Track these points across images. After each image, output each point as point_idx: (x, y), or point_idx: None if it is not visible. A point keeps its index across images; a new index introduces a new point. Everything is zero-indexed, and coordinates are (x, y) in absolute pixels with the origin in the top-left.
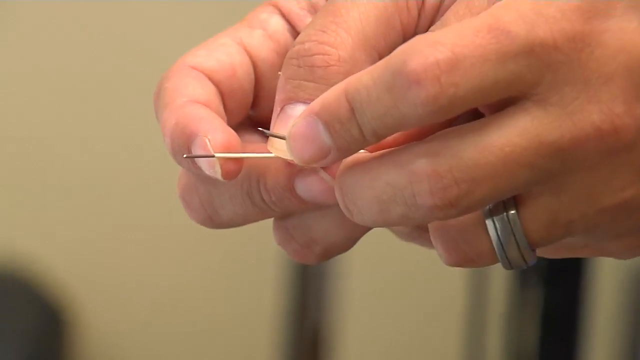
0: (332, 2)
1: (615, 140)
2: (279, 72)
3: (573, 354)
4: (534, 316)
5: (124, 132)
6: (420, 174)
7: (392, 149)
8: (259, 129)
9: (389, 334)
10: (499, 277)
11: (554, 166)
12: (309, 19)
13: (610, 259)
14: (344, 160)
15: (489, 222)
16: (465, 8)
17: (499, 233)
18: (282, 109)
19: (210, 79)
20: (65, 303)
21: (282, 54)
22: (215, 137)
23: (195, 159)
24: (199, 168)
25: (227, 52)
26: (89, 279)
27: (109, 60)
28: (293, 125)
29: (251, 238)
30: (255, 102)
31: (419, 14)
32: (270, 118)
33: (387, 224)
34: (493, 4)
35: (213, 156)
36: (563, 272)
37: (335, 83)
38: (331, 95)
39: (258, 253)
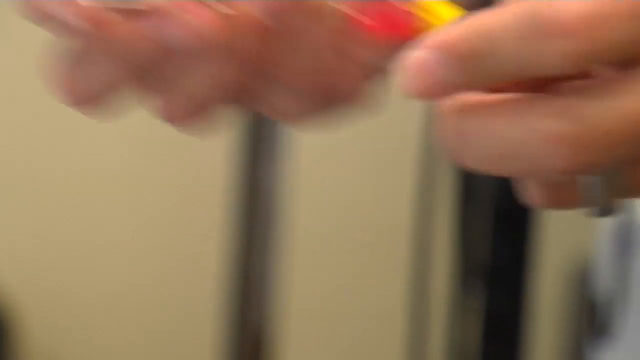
0: None
1: None
2: None
3: (515, 355)
4: (476, 317)
5: (63, 133)
6: (552, 136)
7: (516, 99)
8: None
9: (331, 336)
10: (441, 278)
11: None
12: None
13: (552, 259)
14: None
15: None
16: None
17: (599, 184)
18: None
19: None
20: (7, 309)
21: None
22: None
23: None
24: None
25: None
26: (31, 284)
27: None
28: (412, 54)
29: (192, 240)
30: None
31: None
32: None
33: (501, 173)
34: None
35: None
36: (505, 273)
37: None
38: (464, 30)
39: (199, 255)
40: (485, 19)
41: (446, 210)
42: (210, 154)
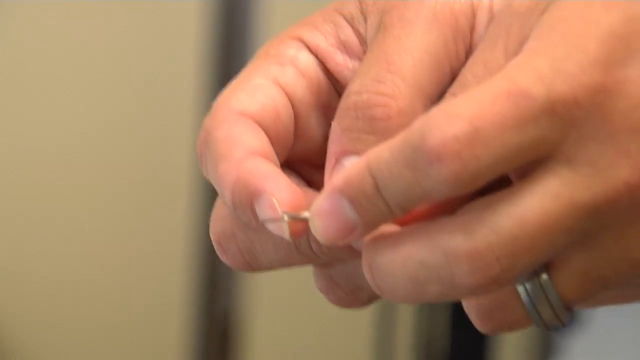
0: (379, 45)
1: None
2: (333, 122)
3: (485, 344)
4: (444, 312)
5: (30, 127)
6: (459, 253)
7: (422, 223)
8: (285, 213)
9: (299, 328)
10: None
11: (589, 226)
12: (339, 56)
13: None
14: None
15: (520, 289)
16: (483, 68)
17: (532, 298)
18: (337, 160)
19: (259, 124)
20: None
21: (315, 92)
22: (282, 196)
23: (260, 217)
24: (261, 225)
25: (267, 95)
26: None
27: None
28: (315, 204)
29: (160, 233)
30: None
31: (466, 58)
32: (307, 155)
33: (422, 301)
34: (510, 59)
35: (278, 219)
36: None
37: (396, 136)
38: (354, 171)
39: (167, 247)
40: (372, 155)
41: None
42: (176, 145)
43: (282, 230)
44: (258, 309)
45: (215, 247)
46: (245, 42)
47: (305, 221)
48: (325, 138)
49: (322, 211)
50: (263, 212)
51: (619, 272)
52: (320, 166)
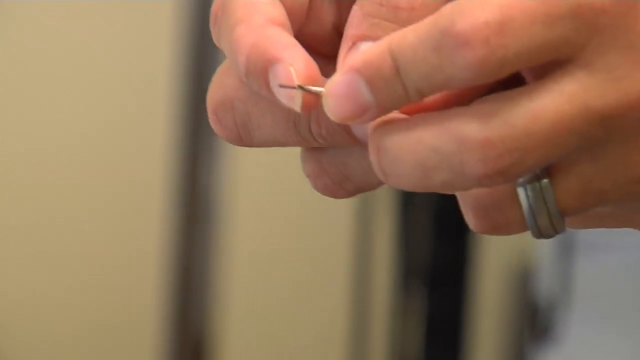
0: None
1: None
2: (354, 6)
3: (457, 357)
4: (417, 319)
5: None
6: (472, 141)
7: (437, 111)
8: (298, 85)
9: (272, 339)
10: (382, 281)
11: (599, 134)
12: None
13: (494, 261)
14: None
15: (520, 190)
16: None
17: (531, 201)
18: (354, 44)
19: None
20: None
21: None
22: (299, 66)
23: (272, 85)
24: (272, 93)
25: None
26: None
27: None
28: (330, 81)
29: (133, 241)
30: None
31: None
32: (314, 40)
33: (425, 189)
34: None
35: (294, 87)
36: (446, 276)
37: None
38: (374, 51)
39: (140, 258)
40: (395, 37)
41: (386, 213)
42: (150, 154)
43: (295, 101)
44: (231, 323)
45: (209, 116)
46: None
47: (317, 96)
48: (334, 27)
49: (337, 89)
50: (278, 80)
51: (618, 188)
52: (325, 55)
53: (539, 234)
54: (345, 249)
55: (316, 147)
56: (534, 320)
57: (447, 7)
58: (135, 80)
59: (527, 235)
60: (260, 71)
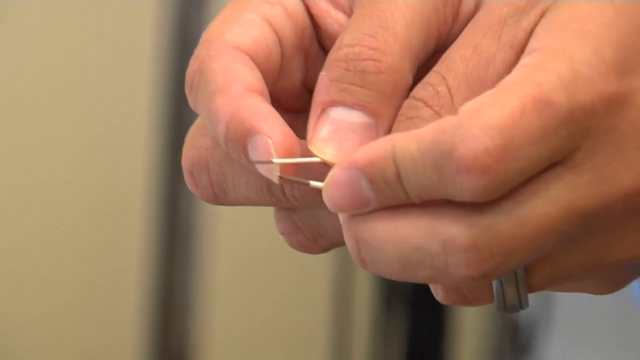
0: (371, 1)
1: (639, 203)
2: (321, 72)
3: None
4: (399, 339)
5: None
6: (457, 245)
7: (422, 207)
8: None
9: (253, 358)
10: (363, 301)
11: (580, 230)
12: (323, 3)
13: None
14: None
15: None
16: (473, 52)
17: (502, 282)
18: (323, 110)
19: (252, 59)
20: None
21: (300, 35)
22: (277, 139)
23: (251, 157)
24: (250, 162)
25: (260, 31)
26: None
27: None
28: (332, 175)
29: (112, 260)
30: None
31: (453, 23)
32: (283, 97)
33: (404, 280)
34: (502, 48)
35: (271, 162)
36: (427, 296)
37: (385, 91)
38: (377, 153)
39: (121, 281)
40: (399, 142)
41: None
42: (130, 177)
43: (272, 173)
44: (211, 344)
45: (185, 176)
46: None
47: (297, 165)
48: (302, 83)
49: (338, 183)
50: (256, 152)
51: (585, 272)
52: (294, 110)
53: (504, 308)
54: (327, 269)
55: (290, 207)
56: (514, 339)
57: (448, 124)
58: (116, 107)
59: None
60: (239, 141)
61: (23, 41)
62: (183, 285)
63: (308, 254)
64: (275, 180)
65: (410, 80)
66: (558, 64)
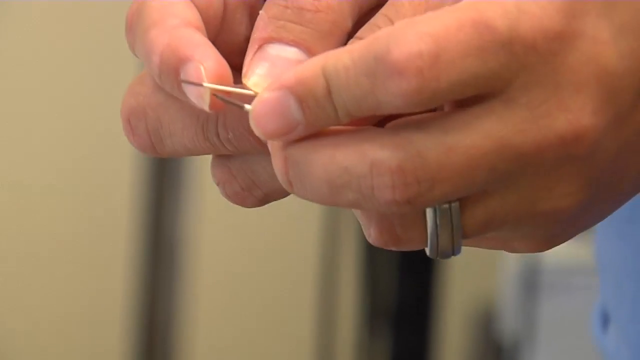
0: None
1: (574, 149)
2: (260, 11)
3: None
4: (382, 359)
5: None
6: (384, 167)
7: (351, 129)
8: (214, 90)
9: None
10: (347, 321)
11: (512, 169)
12: None
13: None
14: None
15: (429, 210)
16: (395, 12)
17: (438, 222)
18: (260, 47)
19: (192, 2)
20: None
21: None
22: (209, 65)
23: (183, 84)
24: (183, 93)
25: None
26: None
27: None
28: (259, 97)
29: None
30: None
31: None
32: (227, 52)
33: (330, 205)
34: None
35: (201, 85)
36: (411, 315)
37: (322, 30)
38: (307, 70)
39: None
40: (329, 57)
41: (352, 252)
42: (115, 192)
43: (203, 99)
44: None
45: (123, 125)
46: None
47: (227, 94)
48: (247, 39)
49: (265, 104)
50: (187, 79)
51: (517, 220)
52: (238, 67)
53: (436, 253)
54: (311, 289)
55: (226, 154)
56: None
57: (383, 32)
58: (101, 123)
59: (492, 275)
60: (172, 70)
61: (22, 42)
62: (167, 295)
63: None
64: (206, 106)
65: (349, 24)
66: None
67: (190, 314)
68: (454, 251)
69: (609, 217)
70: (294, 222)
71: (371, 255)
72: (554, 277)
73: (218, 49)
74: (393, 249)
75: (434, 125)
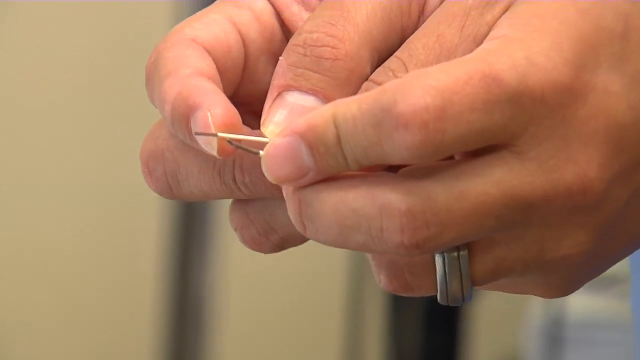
0: None
1: (582, 201)
2: (280, 57)
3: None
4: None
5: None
6: (393, 209)
7: (363, 174)
8: (235, 143)
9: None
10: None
11: (518, 218)
12: (295, 7)
13: (482, 353)
14: None
15: (438, 257)
16: (436, 41)
17: (447, 270)
18: (279, 94)
19: (209, 53)
20: None
21: (268, 38)
22: (217, 112)
23: (193, 131)
24: (195, 140)
25: (222, 29)
26: None
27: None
28: (271, 143)
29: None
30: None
31: (418, 19)
32: (250, 100)
33: (342, 247)
34: (465, 40)
35: (209, 134)
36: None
37: (340, 77)
38: (318, 117)
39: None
40: (339, 106)
41: (378, 303)
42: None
43: (212, 145)
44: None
45: (141, 168)
46: None
47: (237, 141)
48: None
49: (277, 149)
50: (196, 127)
51: (526, 268)
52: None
53: (446, 300)
54: (337, 343)
55: (244, 199)
56: None
57: (392, 83)
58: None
59: (517, 329)
60: (183, 118)
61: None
62: (198, 288)
63: (317, 338)
64: (215, 153)
65: (368, 70)
66: (514, 51)
67: (221, 300)
68: (465, 298)
69: None
70: (320, 271)
71: (397, 305)
72: (578, 332)
73: (242, 99)
74: (403, 294)
75: (444, 172)
